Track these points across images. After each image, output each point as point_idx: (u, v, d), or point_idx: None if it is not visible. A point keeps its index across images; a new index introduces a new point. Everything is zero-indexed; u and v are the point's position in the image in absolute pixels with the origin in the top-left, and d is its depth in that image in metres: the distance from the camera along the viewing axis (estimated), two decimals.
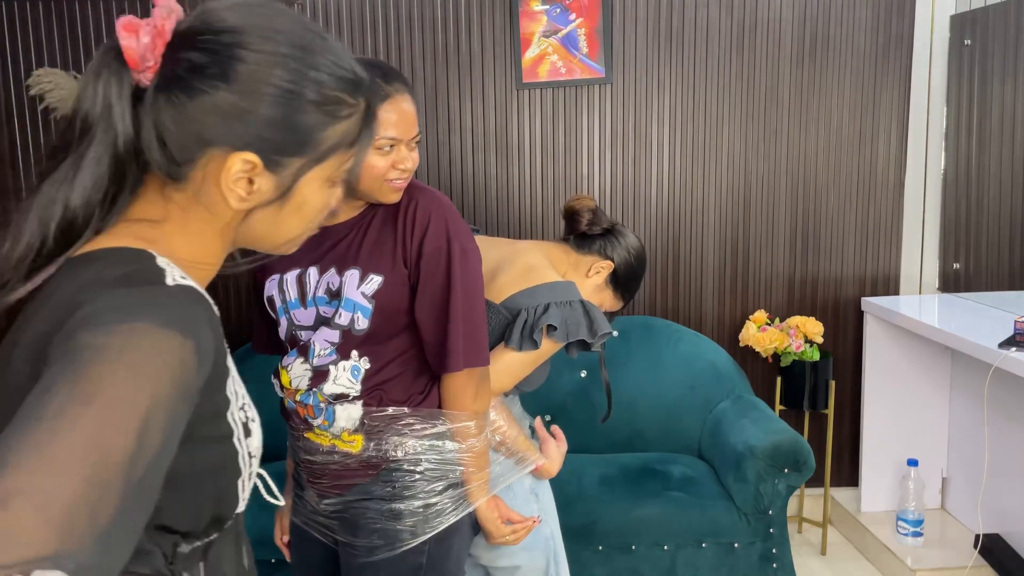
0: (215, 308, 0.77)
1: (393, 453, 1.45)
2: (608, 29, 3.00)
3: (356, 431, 1.46)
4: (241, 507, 0.84)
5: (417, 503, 1.46)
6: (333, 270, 1.45)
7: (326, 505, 1.52)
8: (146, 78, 0.75)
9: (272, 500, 0.95)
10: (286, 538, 1.70)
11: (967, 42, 2.90)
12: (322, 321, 1.46)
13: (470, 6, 3.01)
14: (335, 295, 1.44)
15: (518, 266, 1.76)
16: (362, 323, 1.42)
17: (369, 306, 1.42)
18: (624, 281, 1.86)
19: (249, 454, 0.82)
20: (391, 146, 1.39)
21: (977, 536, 2.65)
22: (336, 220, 1.45)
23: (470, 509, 1.52)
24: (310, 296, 1.47)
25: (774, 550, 2.48)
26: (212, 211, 0.79)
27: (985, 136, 2.83)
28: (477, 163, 3.08)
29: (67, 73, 2.93)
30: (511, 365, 1.67)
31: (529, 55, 3.01)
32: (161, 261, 0.75)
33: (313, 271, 1.47)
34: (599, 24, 3.00)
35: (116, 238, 0.76)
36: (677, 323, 3.08)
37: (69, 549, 0.53)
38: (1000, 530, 2.68)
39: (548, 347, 1.68)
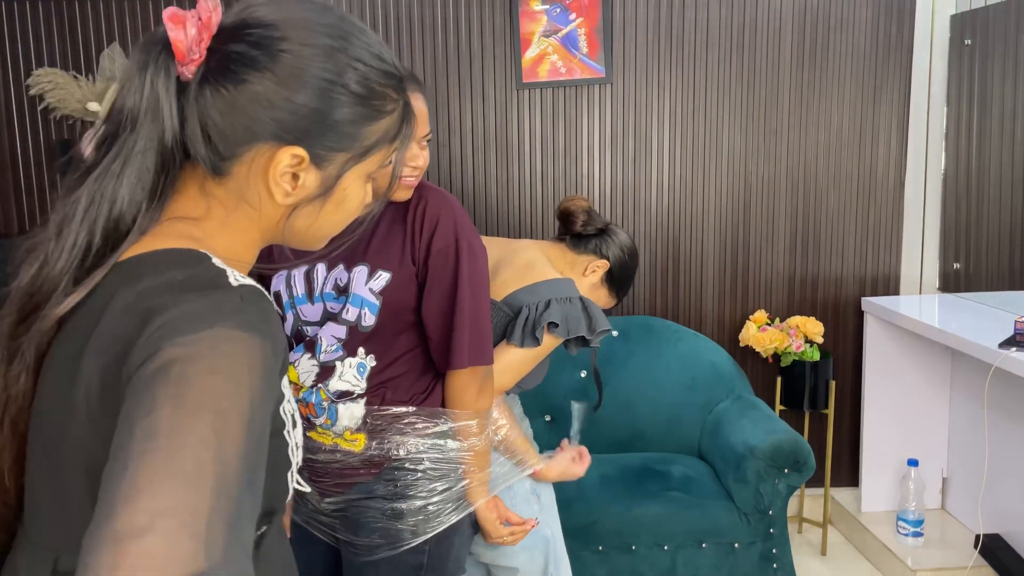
0: (275, 304, 0.77)
1: (395, 452, 1.46)
2: (608, 29, 3.00)
3: (358, 430, 1.46)
4: (288, 498, 0.85)
5: (418, 502, 1.47)
6: (341, 266, 1.46)
7: (327, 504, 1.52)
8: (188, 71, 0.74)
9: (301, 488, 0.95)
10: (287, 536, 1.70)
11: (967, 42, 2.90)
12: (329, 316, 1.47)
13: (470, 6, 3.01)
14: (343, 291, 1.46)
15: (518, 263, 1.77)
16: (369, 319, 1.43)
17: (376, 302, 1.43)
18: (619, 279, 1.88)
19: (296, 445, 0.82)
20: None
21: (977, 536, 2.65)
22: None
23: (470, 509, 1.53)
24: (317, 292, 1.48)
25: (774, 550, 2.47)
26: (256, 207, 0.78)
27: (985, 136, 2.83)
28: (477, 163, 3.08)
29: (67, 73, 2.93)
30: (513, 362, 1.68)
31: (529, 55, 3.01)
32: (217, 261, 0.74)
33: (321, 267, 1.48)
34: (599, 24, 3.00)
35: (163, 238, 0.75)
36: (677, 323, 3.07)
37: (217, 559, 0.55)
38: (1000, 530, 2.67)
39: (549, 343, 1.69)
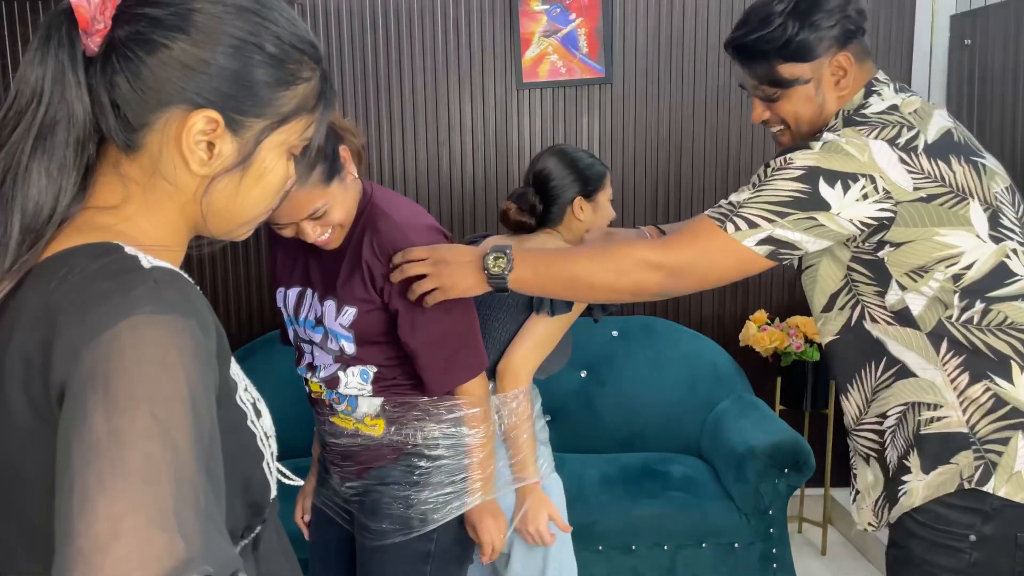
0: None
1: (413, 438, 1.50)
2: (608, 29, 3.00)
3: (378, 416, 1.50)
4: (273, 492, 0.83)
5: (430, 492, 1.51)
6: (316, 297, 1.49)
7: (347, 488, 1.57)
8: (94, 43, 0.70)
9: (288, 481, 0.94)
10: (307, 517, 1.75)
11: (967, 42, 2.90)
12: (315, 343, 1.51)
13: (470, 6, 3.01)
14: (320, 322, 1.49)
15: (531, 247, 1.77)
16: (350, 348, 1.47)
17: (350, 334, 1.45)
18: (589, 181, 1.83)
19: (266, 434, 0.80)
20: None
21: None
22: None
23: (478, 502, 1.54)
24: (302, 317, 1.52)
25: (774, 550, 2.47)
26: (172, 180, 0.74)
27: (985, 136, 2.83)
28: (477, 163, 3.08)
29: None
30: (544, 335, 1.69)
31: (529, 55, 3.01)
32: (130, 249, 0.69)
33: (308, 293, 1.51)
34: (599, 24, 3.00)
35: (77, 233, 0.71)
36: (677, 323, 3.08)
37: (196, 546, 0.53)
38: None
39: (576, 309, 1.71)
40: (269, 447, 0.81)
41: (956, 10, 2.99)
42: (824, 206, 1.22)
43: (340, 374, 1.49)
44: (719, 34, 3.04)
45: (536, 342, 1.69)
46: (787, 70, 1.35)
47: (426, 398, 1.49)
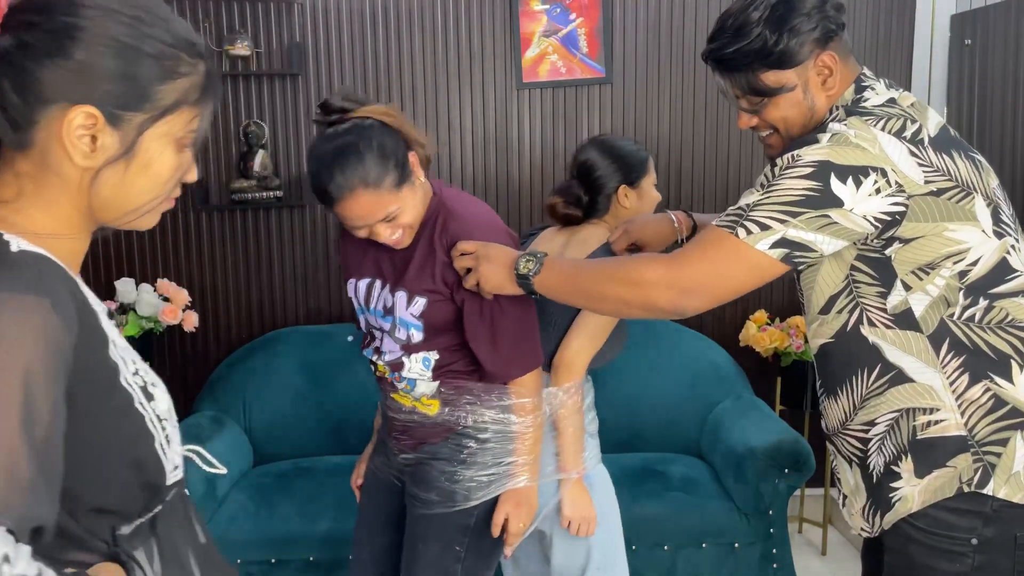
0: (71, 272, 0.78)
1: (464, 420, 1.60)
2: (608, 29, 3.00)
3: (433, 396, 1.62)
4: (172, 476, 0.86)
5: (476, 471, 1.61)
6: (388, 288, 1.60)
7: (402, 459, 1.69)
8: None
9: (213, 470, 1.02)
10: (359, 481, 1.86)
11: (967, 42, 2.90)
12: (384, 331, 1.63)
13: (470, 6, 3.01)
14: (389, 311, 1.59)
15: (574, 242, 1.80)
16: (417, 337, 1.58)
17: (420, 323, 1.57)
18: (632, 168, 1.82)
19: (158, 417, 0.84)
20: None
21: None
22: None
23: (517, 486, 1.62)
24: (372, 306, 1.64)
25: (774, 550, 2.47)
26: (60, 174, 0.79)
27: (985, 136, 2.83)
28: (477, 163, 3.08)
29: None
30: (597, 327, 1.69)
31: (529, 55, 3.01)
32: (7, 236, 0.75)
33: (378, 284, 1.63)
34: (599, 24, 3.00)
35: None
36: (677, 323, 3.07)
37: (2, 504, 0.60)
38: None
39: None
40: (163, 430, 0.84)
41: (956, 10, 2.99)
42: (837, 203, 1.17)
43: (404, 360, 1.60)
44: None
45: (590, 334, 1.70)
46: (771, 78, 1.31)
47: (480, 384, 1.59)
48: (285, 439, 2.87)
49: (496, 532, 1.62)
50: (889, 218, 1.19)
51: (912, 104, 1.28)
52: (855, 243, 1.24)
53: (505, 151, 3.07)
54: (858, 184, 1.17)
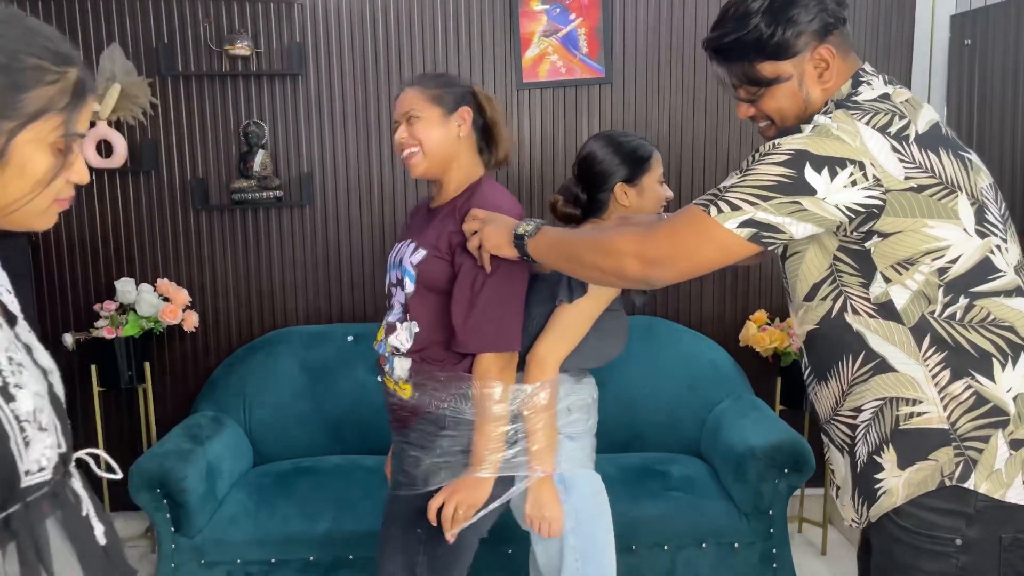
0: None
1: (428, 405, 1.67)
2: (608, 29, 3.00)
3: (407, 381, 1.70)
4: (34, 477, 0.87)
5: (434, 457, 1.67)
6: (411, 244, 1.74)
7: (394, 441, 1.80)
8: None
9: (109, 476, 1.04)
10: (388, 470, 1.93)
11: (967, 42, 2.90)
12: (395, 283, 1.75)
13: (470, 6, 3.01)
14: (401, 262, 1.74)
15: None
16: (409, 287, 1.70)
17: (414, 273, 1.69)
18: (634, 164, 1.80)
19: (16, 417, 0.85)
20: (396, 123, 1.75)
21: None
22: (436, 203, 1.78)
23: (472, 475, 1.64)
24: (392, 259, 1.79)
25: (774, 550, 2.47)
26: None
27: (985, 136, 2.83)
28: None
29: None
30: (568, 324, 1.69)
31: (529, 55, 3.01)
32: None
33: (407, 242, 1.76)
34: (599, 24, 3.00)
35: None
36: (677, 323, 3.07)
37: None
38: None
39: (601, 295, 1.68)
40: (22, 430, 0.86)
41: (956, 10, 2.99)
42: (809, 191, 1.19)
43: (398, 324, 1.71)
44: None
45: (561, 332, 1.69)
46: (767, 68, 1.33)
47: (445, 373, 1.66)
48: (285, 439, 2.87)
49: (431, 516, 1.64)
50: (864, 210, 1.20)
51: (907, 100, 1.29)
52: (836, 233, 1.25)
53: None
54: (833, 174, 1.19)
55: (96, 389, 2.94)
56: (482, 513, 1.66)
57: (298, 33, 3.00)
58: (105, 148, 2.97)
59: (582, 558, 1.72)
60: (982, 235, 1.23)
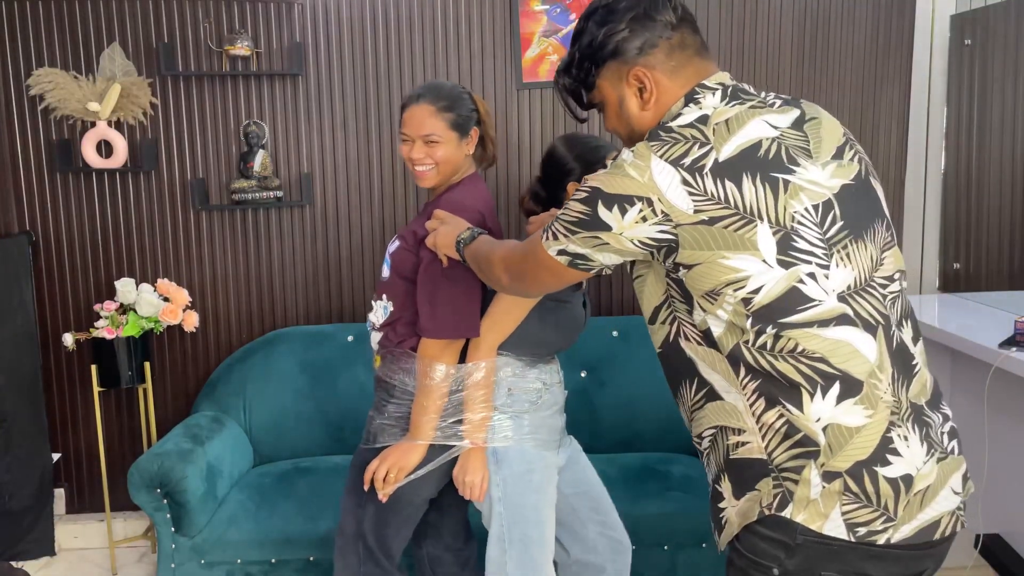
0: None
1: (386, 375, 1.90)
2: None
3: (377, 352, 1.95)
4: None
5: (382, 419, 1.91)
6: (397, 235, 1.95)
7: None
8: None
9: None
10: None
11: (967, 42, 2.90)
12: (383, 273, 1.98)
13: (470, 6, 3.01)
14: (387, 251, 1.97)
15: None
16: (385, 273, 1.93)
17: (389, 261, 1.92)
18: (591, 164, 1.84)
19: None
20: (404, 140, 1.91)
21: (977, 536, 2.65)
22: (431, 199, 1.97)
23: (414, 441, 1.84)
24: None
25: None
26: None
27: (985, 136, 2.83)
28: None
29: (67, 73, 2.93)
30: (498, 311, 1.82)
31: (529, 55, 3.01)
32: None
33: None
34: None
35: None
36: None
37: None
38: (1000, 530, 2.67)
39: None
40: None
41: (956, 10, 2.99)
42: (604, 227, 1.22)
43: (374, 303, 1.95)
44: (717, 34, 3.04)
45: (493, 316, 1.81)
46: (593, 96, 1.38)
47: (399, 348, 1.88)
48: (285, 439, 2.87)
49: (366, 479, 1.86)
50: (658, 244, 1.21)
51: (726, 120, 1.23)
52: (656, 261, 1.27)
53: (505, 151, 3.07)
54: (623, 212, 1.20)
55: (96, 389, 2.94)
56: (412, 476, 1.84)
57: (298, 33, 3.00)
58: (105, 148, 2.97)
59: (507, 523, 1.85)
60: (786, 265, 1.17)
